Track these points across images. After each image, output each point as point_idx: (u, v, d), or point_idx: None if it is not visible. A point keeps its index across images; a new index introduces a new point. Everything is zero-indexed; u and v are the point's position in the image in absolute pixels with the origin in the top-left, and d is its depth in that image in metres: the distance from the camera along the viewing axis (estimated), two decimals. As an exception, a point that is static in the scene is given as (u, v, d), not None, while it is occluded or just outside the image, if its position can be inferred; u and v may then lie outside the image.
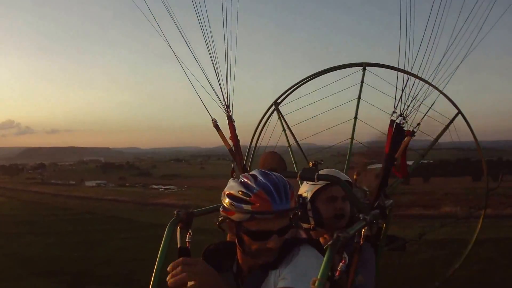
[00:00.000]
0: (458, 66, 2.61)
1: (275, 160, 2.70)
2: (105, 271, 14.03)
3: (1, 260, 16.22)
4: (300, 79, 4.03)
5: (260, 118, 4.06)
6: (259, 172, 1.74)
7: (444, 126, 3.56)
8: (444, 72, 2.64)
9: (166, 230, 1.98)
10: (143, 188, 72.94)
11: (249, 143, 4.09)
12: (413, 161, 3.65)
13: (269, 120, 4.02)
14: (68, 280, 13.14)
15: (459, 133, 3.63)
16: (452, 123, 3.57)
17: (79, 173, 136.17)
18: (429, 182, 52.71)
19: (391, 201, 2.61)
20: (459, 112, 3.60)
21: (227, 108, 2.69)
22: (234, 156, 2.74)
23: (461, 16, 2.53)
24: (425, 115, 2.69)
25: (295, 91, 4.02)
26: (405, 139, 2.54)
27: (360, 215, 2.01)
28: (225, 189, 1.75)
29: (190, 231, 1.98)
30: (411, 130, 2.54)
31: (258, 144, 4.07)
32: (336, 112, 4.10)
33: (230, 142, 2.75)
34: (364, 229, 2.03)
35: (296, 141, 3.92)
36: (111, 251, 17.43)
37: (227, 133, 2.79)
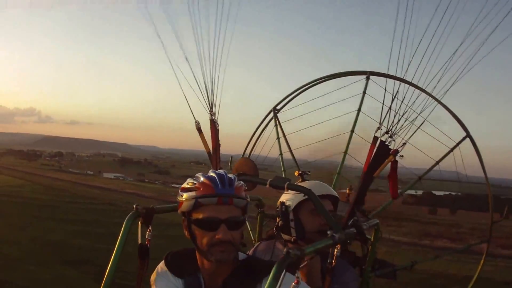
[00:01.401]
0: (458, 77, 2.47)
1: (248, 166, 2.72)
2: (132, 268, 13.70)
3: (27, 243, 16.23)
4: (301, 85, 3.94)
5: (258, 124, 4.00)
6: (211, 171, 1.83)
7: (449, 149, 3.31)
8: (444, 84, 2.51)
9: (124, 224, 2.01)
10: (163, 186, 72.74)
11: (244, 148, 4.02)
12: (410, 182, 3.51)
13: (267, 126, 3.95)
14: (95, 272, 12.96)
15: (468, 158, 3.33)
16: (458, 147, 3.24)
17: (96, 164, 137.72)
18: (456, 215, 51.27)
19: (376, 221, 2.44)
20: (468, 135, 3.24)
21: (211, 111, 2.80)
22: (212, 159, 2.80)
23: (469, 21, 2.35)
24: (418, 128, 2.52)
25: (296, 97, 3.94)
26: (388, 158, 2.38)
27: (328, 232, 1.86)
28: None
29: (150, 228, 2.02)
30: (396, 149, 2.38)
31: (253, 150, 3.97)
32: (337, 121, 3.91)
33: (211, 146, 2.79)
34: (337, 249, 1.89)
35: (290, 149, 3.81)
36: (137, 248, 17.33)
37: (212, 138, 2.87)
